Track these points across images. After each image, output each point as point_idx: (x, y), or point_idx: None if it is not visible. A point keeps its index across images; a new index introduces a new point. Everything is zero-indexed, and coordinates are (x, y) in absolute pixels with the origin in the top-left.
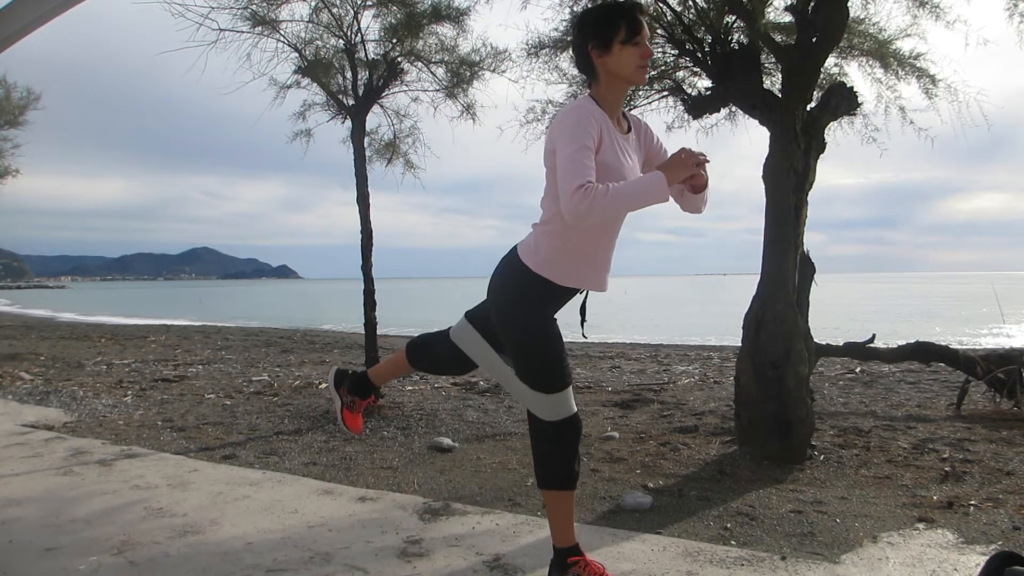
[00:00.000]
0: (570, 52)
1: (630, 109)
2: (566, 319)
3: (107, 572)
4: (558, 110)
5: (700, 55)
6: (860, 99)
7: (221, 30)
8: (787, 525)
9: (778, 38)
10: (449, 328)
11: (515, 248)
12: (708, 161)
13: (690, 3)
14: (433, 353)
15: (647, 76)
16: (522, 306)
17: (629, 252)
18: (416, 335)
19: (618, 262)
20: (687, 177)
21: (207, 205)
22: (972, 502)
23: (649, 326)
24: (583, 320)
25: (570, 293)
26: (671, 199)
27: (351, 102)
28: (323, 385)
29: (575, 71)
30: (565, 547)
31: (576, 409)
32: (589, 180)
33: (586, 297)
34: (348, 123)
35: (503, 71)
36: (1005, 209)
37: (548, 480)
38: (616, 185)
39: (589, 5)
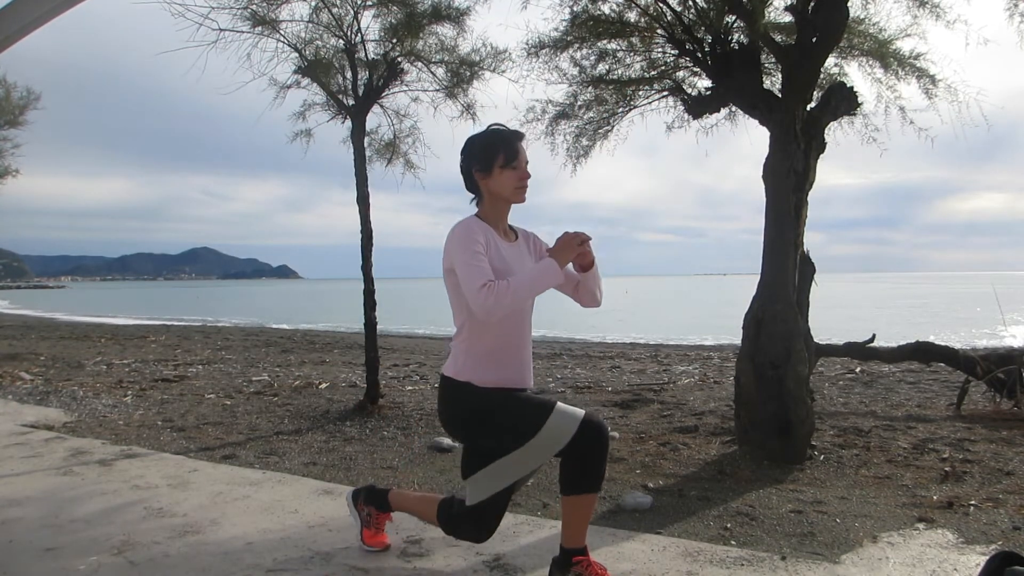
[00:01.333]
0: (461, 176)
1: (629, 110)
2: (569, 316)
3: (107, 572)
4: (449, 231)
5: (700, 55)
6: (860, 99)
7: (221, 30)
8: (787, 525)
9: (778, 38)
10: (463, 503)
11: (441, 373)
12: (590, 239)
13: (690, 3)
14: (469, 525)
15: (525, 196)
16: (469, 413)
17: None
18: (445, 497)
19: (618, 262)
20: (574, 256)
21: (207, 205)
22: (972, 502)
23: (649, 326)
24: None
25: (498, 393)
26: (572, 299)
27: (351, 102)
28: (323, 385)
29: (575, 71)
30: (575, 548)
31: (584, 412)
32: (490, 279)
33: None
34: (348, 123)
35: (503, 71)
36: (1005, 209)
37: (570, 486)
38: (514, 277)
39: (587, 5)
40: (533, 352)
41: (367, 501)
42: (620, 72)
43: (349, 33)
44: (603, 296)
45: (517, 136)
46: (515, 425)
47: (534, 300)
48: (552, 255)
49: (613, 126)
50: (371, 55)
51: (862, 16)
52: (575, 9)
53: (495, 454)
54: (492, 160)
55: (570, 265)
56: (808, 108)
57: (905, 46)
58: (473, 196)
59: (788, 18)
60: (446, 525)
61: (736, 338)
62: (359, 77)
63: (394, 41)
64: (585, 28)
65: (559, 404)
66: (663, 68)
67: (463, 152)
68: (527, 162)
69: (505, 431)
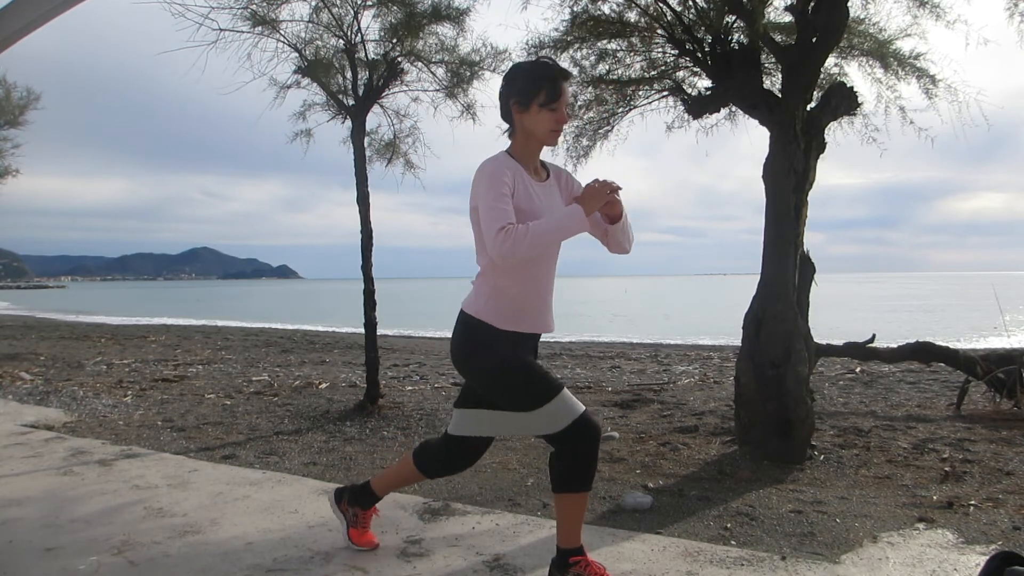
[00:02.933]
0: (499, 101)
1: (629, 110)
2: (570, 318)
3: (107, 572)
4: (478, 167)
5: (700, 55)
6: (860, 99)
7: (221, 30)
8: (787, 525)
9: (778, 38)
10: (446, 430)
11: (460, 308)
12: (620, 188)
13: (690, 3)
14: (440, 456)
15: (558, 140)
16: (480, 352)
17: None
18: (416, 445)
19: (618, 262)
20: (603, 206)
21: (207, 205)
22: (972, 502)
23: (649, 326)
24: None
25: (516, 336)
26: (599, 242)
27: (351, 102)
28: (323, 385)
29: (575, 71)
30: (570, 548)
31: (584, 408)
32: (509, 222)
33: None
34: (348, 123)
35: (503, 71)
36: (1005, 209)
37: (564, 484)
38: (535, 222)
39: (521, 62)
40: None
41: (352, 502)
42: (620, 72)
43: (349, 33)
44: (632, 245)
45: (564, 75)
46: (518, 389)
47: (559, 245)
48: (579, 201)
49: (613, 126)
50: (371, 55)
51: (862, 16)
52: (575, 9)
53: (489, 403)
54: (532, 96)
55: (597, 213)
56: (808, 108)
57: (905, 46)
58: (507, 126)
59: (788, 18)
60: (426, 467)
61: (736, 338)
62: (359, 77)
63: (394, 41)
64: (585, 28)
65: (565, 391)
66: (663, 68)
67: (505, 79)
68: (568, 104)
69: (506, 389)
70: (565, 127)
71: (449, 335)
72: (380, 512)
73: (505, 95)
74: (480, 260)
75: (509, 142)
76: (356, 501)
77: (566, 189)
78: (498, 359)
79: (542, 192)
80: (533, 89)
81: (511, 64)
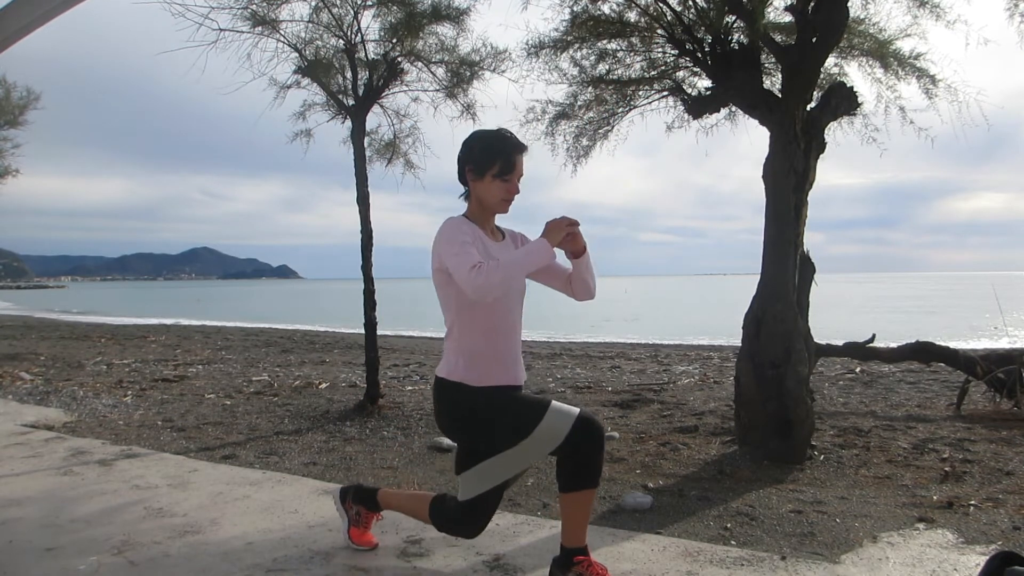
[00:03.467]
0: (456, 168)
1: (629, 110)
2: (572, 319)
3: (107, 572)
4: (437, 231)
5: (700, 55)
6: (860, 99)
7: (221, 30)
8: (787, 525)
9: (778, 38)
10: (457, 496)
11: (435, 375)
12: (578, 223)
13: (690, 3)
14: (455, 518)
15: (509, 209)
16: (463, 414)
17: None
18: (436, 496)
19: (618, 262)
20: (565, 240)
21: (207, 205)
22: (972, 502)
23: (649, 326)
24: None
25: (491, 391)
26: (565, 294)
27: (351, 102)
28: (323, 385)
29: (575, 71)
30: (574, 547)
31: (578, 411)
32: (479, 261)
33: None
34: (348, 123)
35: (503, 71)
36: (1005, 209)
37: (572, 483)
38: (504, 256)
39: (585, 6)
40: (533, 352)
41: (356, 500)
42: (620, 72)
43: (349, 33)
44: (596, 287)
45: (519, 148)
46: (509, 424)
47: (522, 297)
48: (543, 236)
49: (613, 126)
50: (371, 55)
51: (862, 16)
52: (575, 9)
53: (488, 452)
54: (487, 166)
55: (563, 256)
56: (808, 108)
57: (905, 46)
58: (464, 189)
59: (788, 18)
60: (438, 521)
61: (736, 338)
62: (359, 77)
63: (394, 41)
64: (585, 28)
65: (553, 403)
66: (663, 68)
67: (464, 145)
68: (521, 175)
69: (499, 430)
70: (516, 196)
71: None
72: (383, 516)
73: (462, 160)
74: (447, 320)
75: (465, 205)
76: (361, 501)
77: (522, 246)
78: (482, 411)
79: (500, 250)
80: (488, 160)
81: (471, 132)
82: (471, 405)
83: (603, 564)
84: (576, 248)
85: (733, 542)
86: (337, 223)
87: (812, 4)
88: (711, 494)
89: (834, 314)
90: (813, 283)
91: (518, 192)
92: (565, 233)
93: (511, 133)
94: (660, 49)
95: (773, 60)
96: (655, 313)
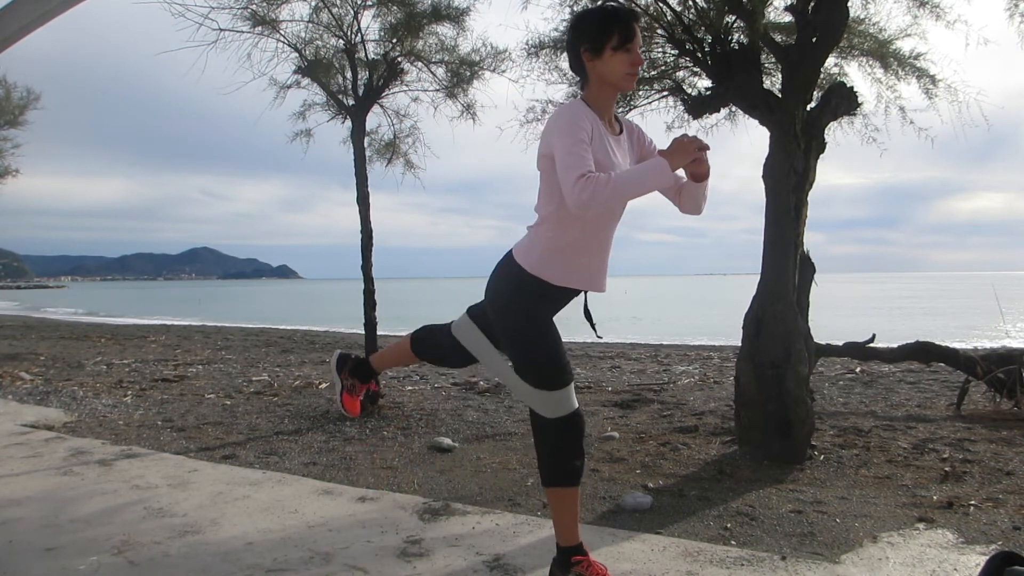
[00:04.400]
0: (567, 54)
1: (629, 110)
2: (571, 319)
3: (107, 572)
4: (551, 113)
5: (700, 55)
6: (860, 99)
7: (221, 30)
8: (787, 525)
9: (778, 38)
10: (451, 322)
11: (510, 251)
12: (709, 148)
13: (690, 3)
14: (436, 345)
15: (635, 83)
16: (519, 307)
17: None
18: (420, 326)
19: (618, 262)
20: (689, 163)
21: (207, 205)
22: (972, 502)
23: (649, 326)
24: (592, 324)
25: (566, 294)
26: (670, 202)
27: (351, 102)
28: (323, 385)
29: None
30: (570, 546)
31: (577, 405)
32: (590, 169)
33: (587, 300)
34: (348, 123)
35: (503, 71)
36: (1005, 209)
37: (551, 478)
38: (617, 172)
39: (588, 5)
40: None
41: (352, 372)
42: None
43: (349, 33)
44: (705, 206)
45: (633, 16)
46: (534, 363)
47: (626, 203)
48: (664, 156)
49: None
50: (371, 55)
51: (862, 16)
52: (575, 9)
53: (498, 345)
54: (604, 41)
55: (681, 171)
56: (808, 108)
57: (905, 46)
58: (577, 78)
59: (788, 18)
60: (416, 346)
61: (736, 338)
62: (359, 77)
63: (394, 41)
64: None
65: (570, 386)
66: (663, 68)
67: (572, 27)
68: (641, 46)
69: (523, 354)
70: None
71: None
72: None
73: (574, 44)
74: (542, 208)
75: (581, 93)
76: (356, 373)
77: (637, 144)
78: (532, 325)
79: (616, 146)
80: (604, 33)
81: (576, 12)
82: (533, 304)
83: (603, 564)
84: (700, 172)
85: (733, 542)
86: (337, 223)
87: (812, 4)
88: (711, 494)
89: (834, 314)
90: (813, 283)
91: (642, 63)
92: (692, 158)
93: (619, 2)
94: (660, 49)
95: (773, 60)
96: (655, 313)
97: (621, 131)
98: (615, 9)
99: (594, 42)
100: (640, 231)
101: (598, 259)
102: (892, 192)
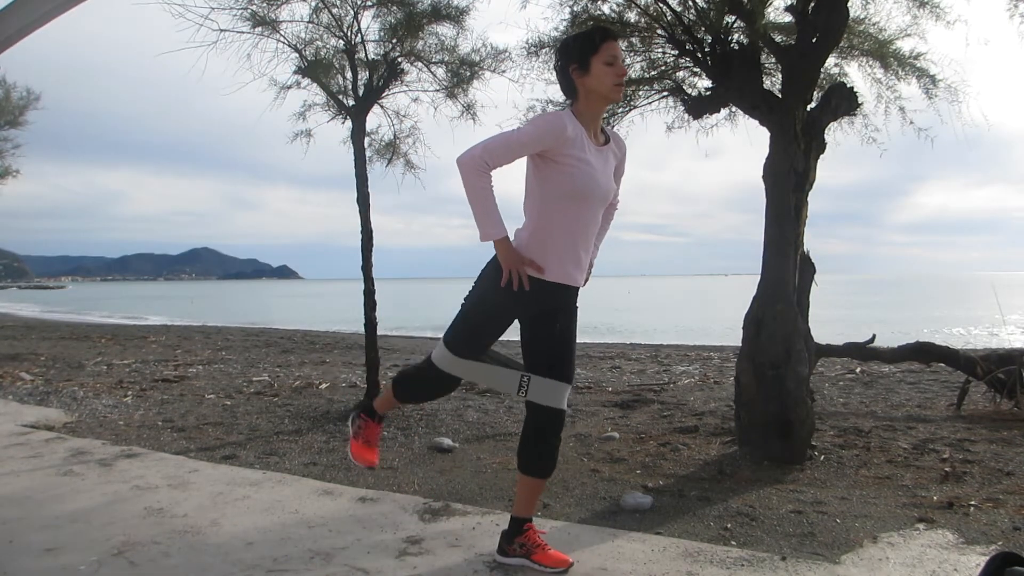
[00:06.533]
0: (557, 79)
1: (629, 110)
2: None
3: (107, 572)
4: (539, 115)
5: (700, 55)
6: (860, 99)
7: (221, 31)
8: (787, 525)
9: (778, 38)
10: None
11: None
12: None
13: (690, 3)
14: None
15: (622, 94)
16: (491, 279)
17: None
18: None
19: (618, 262)
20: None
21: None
22: (972, 502)
23: (649, 326)
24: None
25: (544, 287)
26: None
27: (351, 102)
28: (323, 386)
29: None
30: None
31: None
32: (491, 157)
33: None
34: (348, 123)
35: (503, 71)
36: (1003, 209)
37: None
38: (485, 185)
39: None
40: None
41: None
42: None
43: (349, 33)
44: (588, 282)
45: (612, 34)
46: (462, 318)
47: (601, 206)
48: (499, 242)
49: (613, 126)
50: (371, 55)
51: (862, 16)
52: (575, 9)
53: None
54: (590, 54)
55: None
56: (808, 108)
57: (905, 46)
58: (567, 100)
59: (788, 18)
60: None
61: (736, 338)
62: (359, 77)
63: (394, 41)
64: (585, 28)
65: (470, 363)
66: (663, 68)
67: (558, 52)
68: (623, 60)
69: (466, 306)
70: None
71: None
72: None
73: (563, 65)
74: (527, 206)
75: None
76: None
77: (619, 153)
78: (492, 299)
79: (597, 155)
80: (589, 50)
81: (560, 40)
82: (500, 279)
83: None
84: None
85: (733, 542)
86: (337, 223)
87: (812, 4)
88: (711, 494)
89: (834, 314)
90: (813, 283)
91: (627, 73)
92: (506, 270)
93: (599, 24)
94: (660, 49)
95: (773, 60)
96: (655, 313)
97: (607, 143)
98: (593, 29)
99: (581, 59)
100: (641, 231)
101: (571, 255)
102: (890, 191)
